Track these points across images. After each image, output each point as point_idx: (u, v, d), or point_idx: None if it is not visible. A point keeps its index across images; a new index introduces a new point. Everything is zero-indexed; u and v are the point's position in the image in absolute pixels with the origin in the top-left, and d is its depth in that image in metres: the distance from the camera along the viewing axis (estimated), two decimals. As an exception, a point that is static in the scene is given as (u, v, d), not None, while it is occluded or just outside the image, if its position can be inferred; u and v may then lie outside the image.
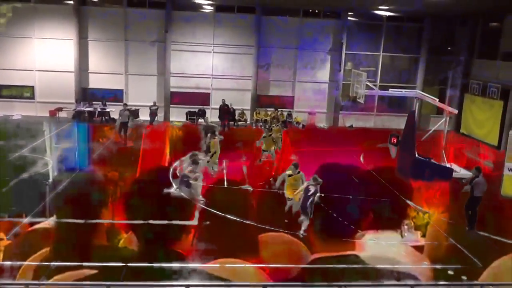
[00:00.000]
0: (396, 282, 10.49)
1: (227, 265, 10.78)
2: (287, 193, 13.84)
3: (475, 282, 10.17)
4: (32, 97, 28.03)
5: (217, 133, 18.45)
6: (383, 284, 10.04)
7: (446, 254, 12.04)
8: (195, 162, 14.37)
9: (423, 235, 13.35)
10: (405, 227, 13.66)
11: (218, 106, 27.72)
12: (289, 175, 13.79)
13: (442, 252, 12.21)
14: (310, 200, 12.76)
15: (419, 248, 12.51)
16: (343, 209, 14.15)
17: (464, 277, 10.74)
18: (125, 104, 24.00)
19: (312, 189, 12.79)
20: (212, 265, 10.79)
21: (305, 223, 12.80)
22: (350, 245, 12.31)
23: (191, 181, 13.95)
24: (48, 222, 12.66)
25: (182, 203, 14.40)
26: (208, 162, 17.38)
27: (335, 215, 13.87)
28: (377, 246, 12.32)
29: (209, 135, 18.22)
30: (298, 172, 13.81)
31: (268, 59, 29.03)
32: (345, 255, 11.70)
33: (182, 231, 12.96)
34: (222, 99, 27.13)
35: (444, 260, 11.57)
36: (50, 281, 9.70)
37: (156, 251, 11.44)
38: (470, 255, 11.84)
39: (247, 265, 10.88)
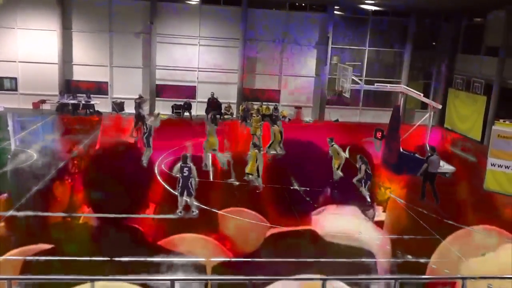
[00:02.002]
0: (381, 276, 10.62)
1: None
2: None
3: (458, 275, 10.31)
4: (15, 88, 27.58)
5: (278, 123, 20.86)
6: (368, 278, 10.13)
7: (428, 247, 12.16)
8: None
9: (384, 210, 14.51)
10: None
11: (203, 99, 27.64)
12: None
13: (425, 244, 12.33)
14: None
15: (379, 223, 13.44)
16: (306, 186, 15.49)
17: (447, 271, 10.90)
18: (141, 96, 25.07)
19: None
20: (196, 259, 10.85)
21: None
22: (308, 220, 13.04)
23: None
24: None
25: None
26: (269, 147, 19.42)
27: (297, 188, 15.35)
28: (335, 221, 12.87)
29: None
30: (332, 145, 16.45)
31: (254, 52, 28.98)
32: (302, 230, 12.28)
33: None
34: (211, 92, 27.00)
35: (426, 253, 11.70)
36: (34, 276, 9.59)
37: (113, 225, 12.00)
38: (452, 249, 12.00)
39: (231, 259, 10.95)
